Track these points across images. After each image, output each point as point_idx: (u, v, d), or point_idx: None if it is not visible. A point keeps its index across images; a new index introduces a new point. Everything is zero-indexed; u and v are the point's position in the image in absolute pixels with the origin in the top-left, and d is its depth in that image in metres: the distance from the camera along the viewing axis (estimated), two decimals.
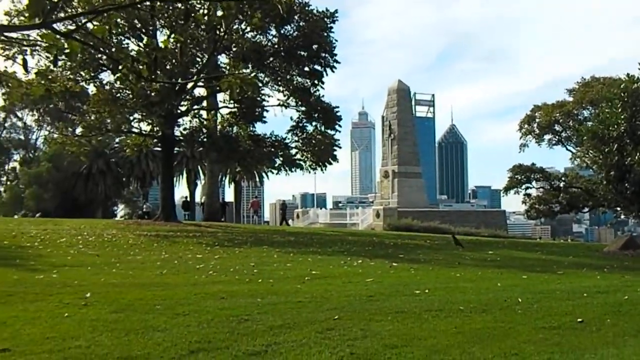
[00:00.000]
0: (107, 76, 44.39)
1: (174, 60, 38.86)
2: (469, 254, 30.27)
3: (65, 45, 9.04)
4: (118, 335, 9.76)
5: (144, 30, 41.61)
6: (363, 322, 11.28)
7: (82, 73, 42.71)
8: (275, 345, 9.45)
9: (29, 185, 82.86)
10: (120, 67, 9.09)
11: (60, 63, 38.52)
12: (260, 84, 44.44)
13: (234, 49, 44.97)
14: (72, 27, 9.15)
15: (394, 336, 10.21)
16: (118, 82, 39.38)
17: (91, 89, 45.66)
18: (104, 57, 36.57)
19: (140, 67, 8.97)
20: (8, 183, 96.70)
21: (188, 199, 79.40)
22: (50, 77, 31.26)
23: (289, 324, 10.94)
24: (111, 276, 17.27)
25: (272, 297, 13.95)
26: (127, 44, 40.33)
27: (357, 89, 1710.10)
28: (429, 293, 15.22)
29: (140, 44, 39.84)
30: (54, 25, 8.78)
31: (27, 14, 9.39)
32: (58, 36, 8.58)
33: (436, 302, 13.82)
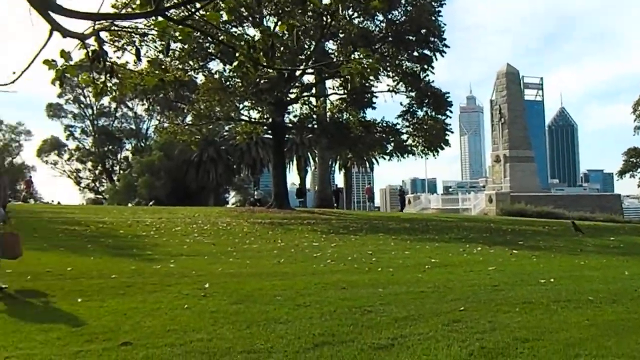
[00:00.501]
0: (215, 65, 44.97)
1: (282, 48, 38.83)
2: (590, 240, 29.39)
3: (177, 34, 8.94)
4: (239, 328, 9.59)
5: (250, 19, 41.72)
6: (490, 313, 10.84)
7: (190, 62, 43.14)
8: (401, 338, 9.08)
9: (141, 174, 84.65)
10: (237, 55, 8.87)
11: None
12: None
13: (342, 35, 44.75)
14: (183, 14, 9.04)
15: (523, 329, 9.73)
16: (229, 71, 39.70)
17: (200, 78, 46.20)
18: (212, 45, 36.90)
19: (257, 54, 8.75)
20: (121, 172, 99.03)
21: (300, 186, 79.69)
22: (163, 66, 31.63)
23: (413, 315, 10.57)
24: (228, 265, 17.25)
25: (394, 287, 13.61)
26: (235, 32, 40.50)
27: (462, 73, 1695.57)
28: (554, 282, 14.63)
29: (248, 32, 40.02)
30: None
31: (134, 5, 9.29)
32: (170, 23, 8.46)
33: (563, 292, 13.25)
